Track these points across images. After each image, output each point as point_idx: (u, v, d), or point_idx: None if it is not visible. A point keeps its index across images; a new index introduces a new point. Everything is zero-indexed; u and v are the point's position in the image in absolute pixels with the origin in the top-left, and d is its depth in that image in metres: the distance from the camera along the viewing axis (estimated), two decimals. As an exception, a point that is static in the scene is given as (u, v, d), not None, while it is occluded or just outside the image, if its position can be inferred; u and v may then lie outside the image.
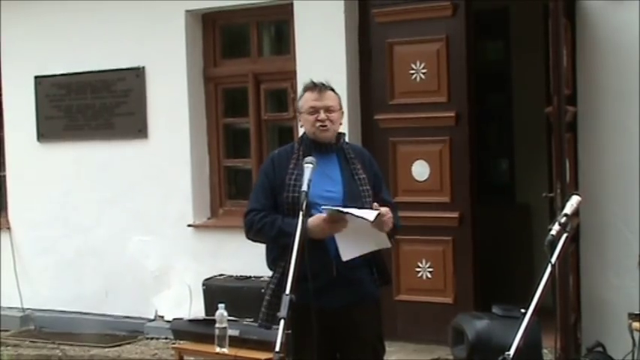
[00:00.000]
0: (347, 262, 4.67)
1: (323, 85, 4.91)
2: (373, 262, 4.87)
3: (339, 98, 4.97)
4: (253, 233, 4.85)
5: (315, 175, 4.53)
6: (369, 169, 4.95)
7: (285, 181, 4.78)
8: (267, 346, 5.99)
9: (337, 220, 4.56)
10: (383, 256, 4.94)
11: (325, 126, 4.83)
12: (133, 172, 9.32)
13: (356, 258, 4.69)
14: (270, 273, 4.90)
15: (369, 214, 4.55)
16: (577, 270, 7.32)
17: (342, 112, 4.99)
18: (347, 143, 5.02)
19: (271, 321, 4.72)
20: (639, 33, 7.11)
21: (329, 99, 4.88)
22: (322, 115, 4.82)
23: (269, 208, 4.81)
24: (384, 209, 4.66)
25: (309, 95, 4.89)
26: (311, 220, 4.56)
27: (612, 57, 7.25)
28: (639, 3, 7.12)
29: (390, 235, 4.83)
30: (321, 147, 4.85)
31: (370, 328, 4.90)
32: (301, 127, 4.98)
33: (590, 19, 7.33)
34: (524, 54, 9.29)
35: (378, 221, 4.58)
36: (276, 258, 4.80)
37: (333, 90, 4.95)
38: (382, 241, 4.76)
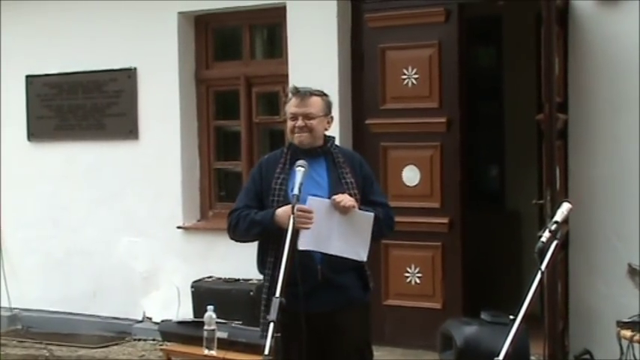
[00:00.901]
0: (333, 267, 4.69)
1: (306, 92, 4.92)
2: (364, 265, 4.88)
3: (327, 103, 4.97)
4: (231, 231, 4.93)
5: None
6: (359, 172, 4.96)
7: (272, 186, 4.81)
8: (255, 348, 5.98)
9: (304, 215, 4.56)
10: (364, 263, 4.92)
11: (300, 132, 4.85)
12: (124, 173, 9.30)
13: (342, 263, 4.71)
14: (260, 276, 4.92)
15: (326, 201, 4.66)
16: (565, 277, 7.33)
17: (331, 117, 5.00)
18: (336, 147, 5.02)
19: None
20: (631, 42, 7.13)
21: (310, 106, 4.88)
22: (299, 122, 4.86)
23: (250, 209, 4.85)
24: (340, 196, 4.69)
25: (292, 101, 4.93)
26: (281, 209, 4.63)
27: (604, 65, 7.27)
28: (632, 12, 7.14)
29: (379, 236, 4.89)
30: (308, 151, 4.86)
31: (357, 333, 4.90)
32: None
33: (582, 27, 7.34)
34: (517, 61, 9.30)
35: (336, 205, 4.66)
36: (264, 262, 4.83)
37: (321, 95, 4.95)
38: (356, 252, 4.75)
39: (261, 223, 4.76)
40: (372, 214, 4.77)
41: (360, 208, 4.77)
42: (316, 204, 4.60)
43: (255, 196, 4.88)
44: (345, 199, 4.70)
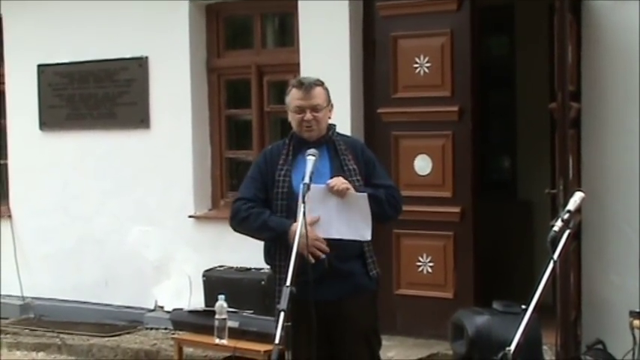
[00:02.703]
0: (338, 255, 4.71)
1: (310, 82, 4.90)
2: (366, 253, 4.87)
3: (327, 92, 4.96)
4: (237, 221, 4.93)
5: (302, 168, 4.56)
6: (361, 158, 4.95)
7: (275, 177, 4.80)
8: (266, 338, 5.99)
9: (318, 245, 4.65)
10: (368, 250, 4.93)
11: (309, 126, 4.84)
12: (135, 162, 9.31)
13: (347, 251, 4.73)
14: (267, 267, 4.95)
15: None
16: (578, 267, 7.31)
17: (332, 106, 4.99)
18: (338, 134, 5.01)
19: None
20: (644, 30, 7.10)
21: (315, 97, 4.87)
22: (308, 116, 4.84)
23: (258, 201, 4.85)
24: (333, 180, 4.70)
25: (295, 93, 4.90)
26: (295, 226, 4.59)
27: (617, 53, 7.23)
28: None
29: (383, 218, 4.90)
30: (311, 141, 4.85)
31: (363, 321, 4.91)
32: (290, 121, 4.98)
33: (595, 16, 7.31)
34: (529, 49, 9.26)
35: (331, 190, 4.68)
36: (271, 253, 4.84)
37: (322, 84, 4.94)
38: (359, 233, 4.76)
39: (274, 231, 4.77)
40: (364, 193, 4.76)
41: (359, 191, 4.76)
42: (312, 191, 4.59)
43: (263, 187, 4.88)
44: (337, 182, 4.71)
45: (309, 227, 4.44)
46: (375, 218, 4.81)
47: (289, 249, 4.34)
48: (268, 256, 4.92)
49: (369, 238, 4.79)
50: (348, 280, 4.80)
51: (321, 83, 4.93)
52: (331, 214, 4.69)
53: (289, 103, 4.92)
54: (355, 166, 4.85)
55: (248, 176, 5.05)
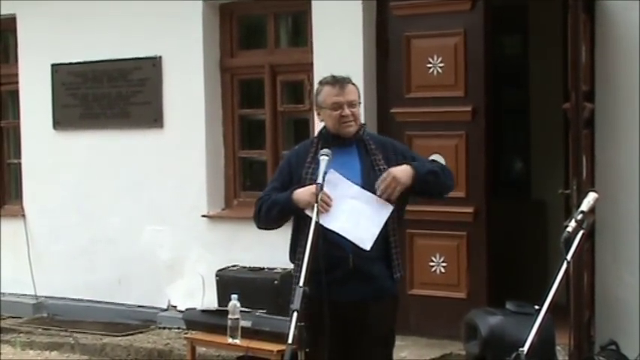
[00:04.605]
0: (363, 256, 4.66)
1: (343, 79, 4.89)
2: (392, 255, 4.84)
3: (358, 90, 4.96)
4: (256, 217, 4.93)
5: (335, 167, 4.56)
6: (394, 155, 4.88)
7: (302, 175, 4.79)
8: (279, 337, 5.97)
9: (324, 199, 4.55)
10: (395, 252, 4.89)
11: (350, 121, 4.82)
12: (148, 162, 9.32)
13: (372, 252, 4.69)
14: (285, 265, 4.92)
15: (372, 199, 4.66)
16: (592, 267, 7.29)
17: (361, 104, 4.98)
18: (369, 134, 4.99)
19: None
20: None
21: (350, 93, 4.86)
22: (347, 111, 4.80)
23: None
24: (383, 186, 4.66)
25: (330, 90, 4.86)
26: (300, 189, 4.67)
27: (631, 54, 7.21)
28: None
29: (443, 189, 4.91)
30: (341, 140, 4.83)
31: (383, 324, 4.88)
32: (321, 121, 4.96)
33: (609, 15, 7.29)
34: (543, 49, 9.24)
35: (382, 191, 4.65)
36: (295, 251, 4.82)
37: (352, 82, 4.92)
38: (360, 238, 4.69)
39: (279, 203, 4.76)
40: (391, 206, 4.71)
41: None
42: (337, 181, 4.56)
43: (282, 186, 4.86)
44: (387, 188, 4.67)
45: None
46: (437, 192, 4.89)
47: (300, 220, 4.37)
48: (293, 254, 4.89)
49: (368, 247, 4.68)
50: (372, 282, 4.75)
51: (351, 80, 4.92)
52: (344, 208, 4.64)
53: (323, 100, 4.86)
54: (385, 166, 4.81)
55: (272, 179, 5.08)
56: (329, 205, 4.55)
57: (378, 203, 4.70)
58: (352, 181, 4.71)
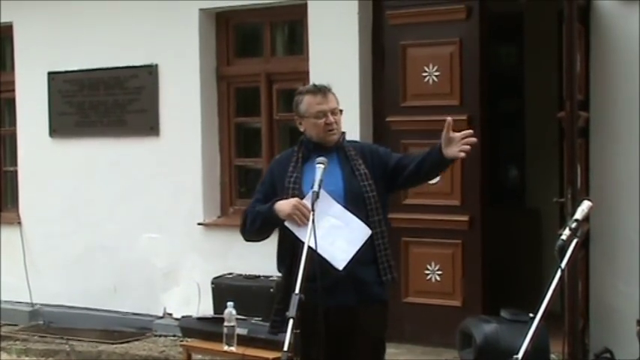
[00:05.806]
0: (354, 262, 4.67)
1: (325, 87, 4.92)
2: (378, 258, 4.85)
3: (337, 98, 4.97)
4: (242, 229, 4.95)
5: (312, 175, 4.58)
6: (370, 162, 4.90)
7: (285, 185, 4.80)
8: (275, 345, 5.98)
9: (303, 212, 4.57)
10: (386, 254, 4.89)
11: (334, 129, 4.85)
12: (144, 170, 9.33)
13: (363, 257, 4.69)
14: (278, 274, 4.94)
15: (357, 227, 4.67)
16: (586, 276, 7.31)
17: (342, 112, 5.00)
18: (347, 141, 5.01)
19: (278, 327, 4.78)
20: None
21: (332, 101, 4.89)
22: (331, 119, 4.83)
23: None
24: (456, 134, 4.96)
25: (312, 99, 4.88)
26: (282, 201, 4.68)
27: (626, 63, 7.24)
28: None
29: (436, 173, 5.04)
30: (323, 148, 4.85)
31: (374, 330, 4.89)
32: (303, 130, 4.96)
33: (604, 25, 7.32)
34: (538, 58, 9.27)
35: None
36: (282, 260, 4.84)
37: (332, 91, 4.95)
38: (333, 257, 4.62)
39: (262, 214, 4.77)
40: (370, 230, 4.70)
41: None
42: (320, 198, 4.56)
43: (265, 198, 4.87)
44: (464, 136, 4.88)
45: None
46: (432, 176, 5.08)
47: (284, 230, 4.45)
48: (280, 264, 4.91)
49: (341, 267, 4.64)
50: (362, 288, 4.76)
51: (331, 89, 4.95)
52: (323, 225, 4.57)
53: (307, 109, 4.88)
54: (366, 170, 4.84)
55: (256, 191, 5.07)
56: (307, 218, 4.53)
57: (357, 225, 4.69)
58: (334, 190, 4.71)
